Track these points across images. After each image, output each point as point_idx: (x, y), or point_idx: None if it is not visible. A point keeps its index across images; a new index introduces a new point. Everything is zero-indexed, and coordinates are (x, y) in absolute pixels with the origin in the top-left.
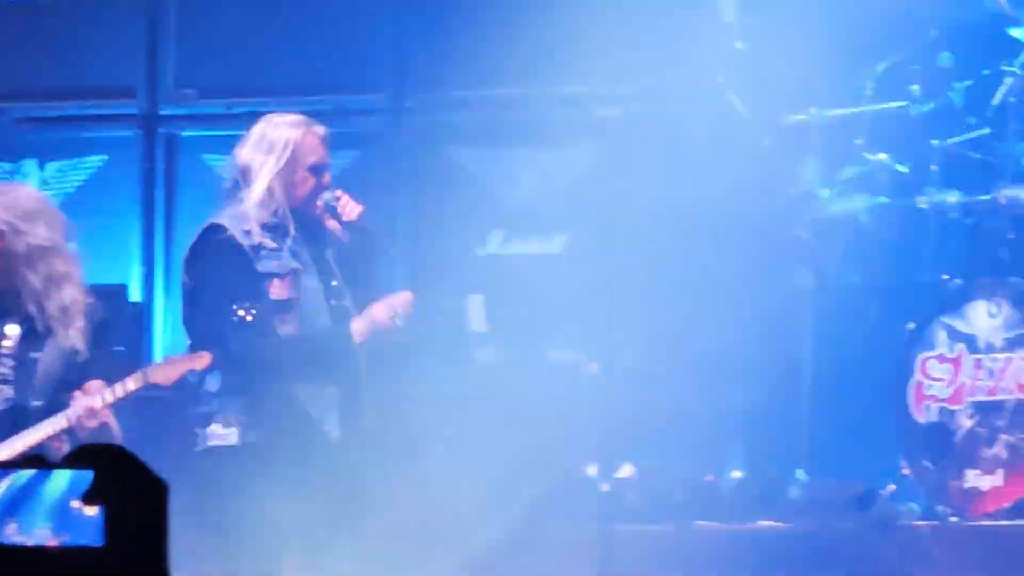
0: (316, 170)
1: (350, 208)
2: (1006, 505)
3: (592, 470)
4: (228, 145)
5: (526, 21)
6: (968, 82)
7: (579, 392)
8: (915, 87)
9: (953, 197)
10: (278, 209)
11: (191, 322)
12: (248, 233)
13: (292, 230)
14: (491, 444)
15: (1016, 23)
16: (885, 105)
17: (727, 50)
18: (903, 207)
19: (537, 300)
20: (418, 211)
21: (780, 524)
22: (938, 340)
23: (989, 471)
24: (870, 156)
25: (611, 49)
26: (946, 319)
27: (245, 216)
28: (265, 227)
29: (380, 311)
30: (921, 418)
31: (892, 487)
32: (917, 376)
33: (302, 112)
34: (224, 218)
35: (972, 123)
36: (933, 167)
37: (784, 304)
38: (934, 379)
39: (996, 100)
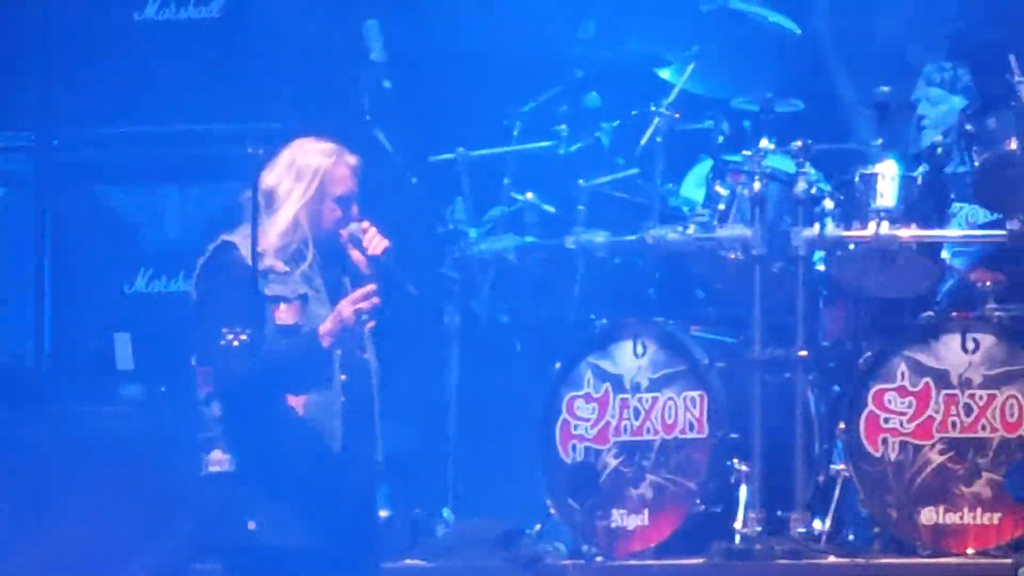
0: (344, 201)
1: (376, 242)
2: (652, 545)
3: None
4: None
5: (175, 58)
6: (616, 122)
7: None
8: (562, 127)
9: (600, 237)
10: (300, 235)
11: (193, 339)
12: (261, 254)
13: (310, 256)
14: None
15: (664, 64)
16: (533, 145)
17: (375, 89)
18: (551, 246)
19: (184, 338)
20: (64, 249)
21: (426, 563)
22: (585, 379)
23: (635, 511)
24: (518, 196)
25: (262, 85)
26: (592, 359)
27: (262, 236)
28: (281, 250)
29: (344, 307)
30: (567, 457)
31: (538, 526)
32: (564, 415)
33: None
34: (238, 236)
35: (620, 163)
36: (580, 207)
37: (431, 342)
38: (580, 419)
39: (644, 141)
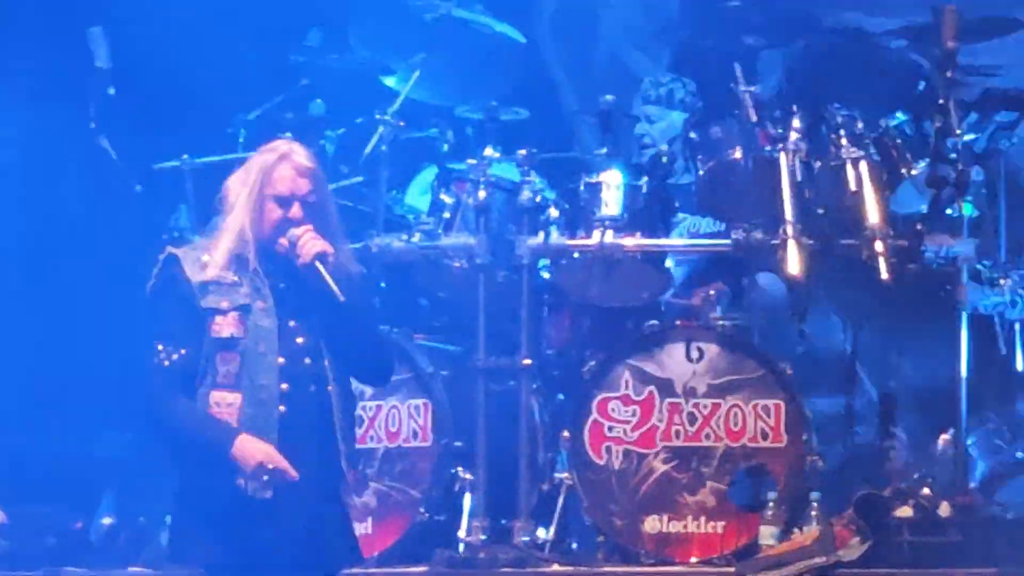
0: (282, 201)
1: (308, 248)
2: (375, 553)
3: None
4: None
5: None
6: (341, 130)
7: None
8: (288, 135)
9: None
10: (243, 240)
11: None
12: (204, 265)
13: (253, 263)
14: None
15: (389, 72)
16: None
17: (100, 96)
18: None
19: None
20: None
21: (149, 571)
22: None
23: (359, 519)
24: None
25: None
26: None
27: (208, 246)
28: (232, 258)
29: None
30: None
31: None
32: None
33: None
34: (183, 248)
35: (345, 171)
36: None
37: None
38: None
39: (368, 149)
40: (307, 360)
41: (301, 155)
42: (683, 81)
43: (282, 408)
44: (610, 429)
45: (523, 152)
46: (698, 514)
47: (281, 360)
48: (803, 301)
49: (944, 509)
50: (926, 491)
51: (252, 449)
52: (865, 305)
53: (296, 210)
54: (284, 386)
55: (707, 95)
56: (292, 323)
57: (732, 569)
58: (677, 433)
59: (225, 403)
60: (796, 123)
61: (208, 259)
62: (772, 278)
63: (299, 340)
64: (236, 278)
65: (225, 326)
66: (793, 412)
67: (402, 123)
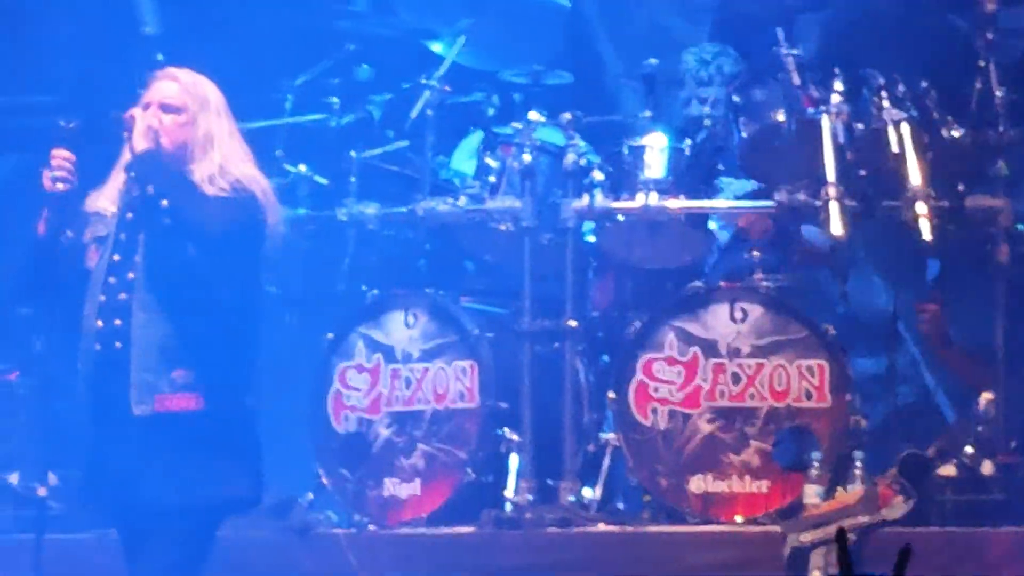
0: (146, 107)
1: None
2: (424, 514)
3: (13, 478)
4: None
5: None
6: (387, 95)
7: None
8: (334, 100)
9: (372, 209)
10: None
11: None
12: (95, 198)
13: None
14: None
15: (435, 37)
16: (305, 118)
17: (149, 62)
18: (322, 218)
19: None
20: None
21: None
22: (356, 350)
23: (407, 480)
24: (290, 168)
25: (39, 58)
26: (364, 329)
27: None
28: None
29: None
30: (340, 428)
31: (310, 496)
32: (336, 386)
33: None
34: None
35: (391, 136)
36: (352, 179)
37: None
38: (352, 389)
39: (414, 113)
40: (122, 295)
41: (180, 70)
42: (727, 53)
43: (97, 346)
44: (655, 390)
45: (568, 116)
46: (743, 474)
47: (102, 297)
48: (845, 263)
49: (987, 468)
50: (969, 450)
51: None
52: (907, 266)
53: (152, 111)
54: (99, 323)
55: (748, 59)
56: (116, 258)
57: (777, 528)
58: (722, 393)
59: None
60: (838, 86)
61: (97, 192)
62: (816, 231)
63: (112, 280)
64: (115, 210)
65: (90, 258)
66: (837, 372)
67: (448, 88)
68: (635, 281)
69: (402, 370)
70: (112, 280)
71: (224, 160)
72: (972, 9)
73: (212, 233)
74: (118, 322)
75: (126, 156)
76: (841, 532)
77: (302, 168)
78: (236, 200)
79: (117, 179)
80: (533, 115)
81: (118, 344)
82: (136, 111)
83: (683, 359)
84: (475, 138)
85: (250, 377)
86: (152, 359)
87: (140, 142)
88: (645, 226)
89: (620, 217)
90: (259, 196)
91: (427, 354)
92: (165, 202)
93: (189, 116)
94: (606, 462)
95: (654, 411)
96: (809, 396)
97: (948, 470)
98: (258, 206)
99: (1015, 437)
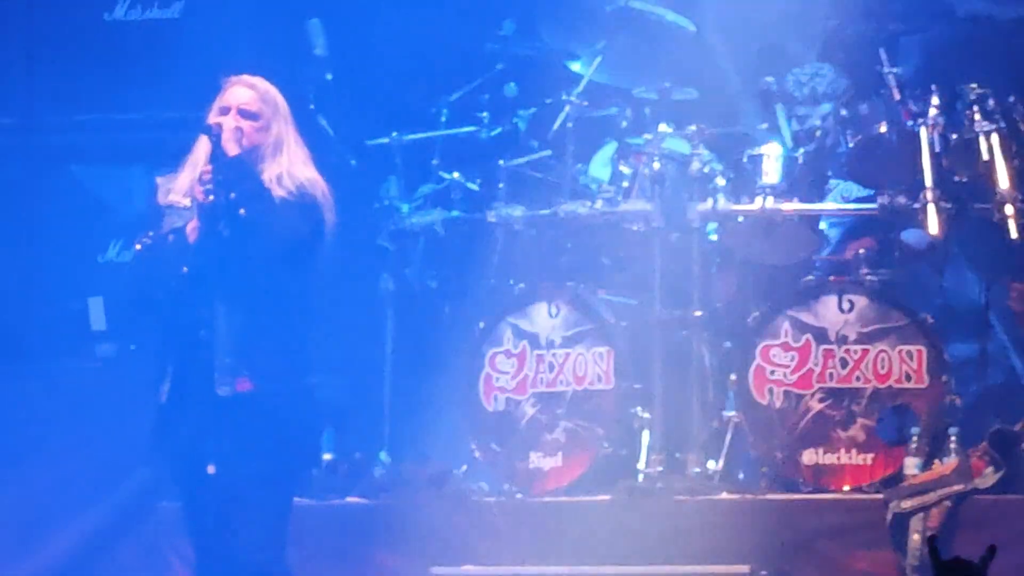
0: (224, 111)
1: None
2: (565, 484)
3: None
4: None
5: (141, 53)
6: (532, 110)
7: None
8: (484, 114)
9: (518, 211)
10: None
11: None
12: (167, 192)
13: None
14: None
15: (574, 57)
16: (458, 130)
17: (318, 80)
18: (474, 220)
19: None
20: (43, 222)
21: (366, 500)
22: (505, 337)
23: (550, 453)
24: (445, 175)
25: (217, 78)
26: (512, 319)
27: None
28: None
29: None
30: (490, 407)
31: (465, 468)
32: (487, 369)
33: None
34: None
35: (535, 146)
36: (500, 185)
37: (369, 305)
38: (501, 372)
39: (556, 126)
40: (200, 289)
41: (253, 78)
42: (821, 74)
43: (181, 334)
44: (772, 372)
45: (693, 128)
46: (850, 447)
47: (183, 290)
48: (941, 258)
49: None
50: None
51: None
52: (997, 261)
53: (232, 116)
54: (182, 312)
55: (855, 77)
56: (194, 253)
57: (880, 496)
58: (831, 376)
59: None
60: (935, 100)
61: (170, 186)
62: (919, 234)
63: (188, 271)
64: (189, 202)
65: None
66: (934, 357)
67: (586, 103)
68: (754, 275)
69: (546, 355)
70: (188, 271)
71: (290, 164)
72: None
73: (283, 238)
74: (199, 311)
75: (198, 152)
76: (932, 540)
77: (456, 175)
78: (301, 205)
79: (190, 172)
80: (662, 127)
81: (202, 333)
82: (219, 117)
83: (797, 345)
84: (610, 148)
85: (309, 359)
86: (230, 346)
87: (232, 146)
88: (763, 226)
89: (740, 218)
90: (320, 199)
91: (568, 341)
92: (243, 211)
93: (264, 121)
94: (728, 437)
95: (771, 392)
96: (909, 378)
97: None
98: (319, 208)
99: None
